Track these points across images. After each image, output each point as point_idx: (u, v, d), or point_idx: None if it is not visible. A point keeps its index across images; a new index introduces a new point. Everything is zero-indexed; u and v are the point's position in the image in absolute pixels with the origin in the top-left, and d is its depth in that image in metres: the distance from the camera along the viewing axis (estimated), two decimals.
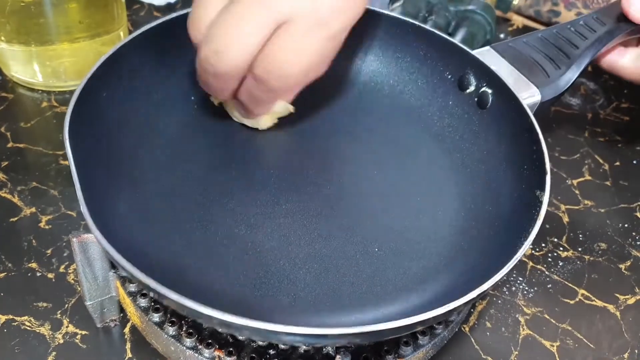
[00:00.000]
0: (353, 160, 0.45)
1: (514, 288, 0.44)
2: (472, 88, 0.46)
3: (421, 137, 0.47)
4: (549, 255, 0.47)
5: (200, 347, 0.36)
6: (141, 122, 0.44)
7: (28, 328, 0.39)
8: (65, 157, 0.49)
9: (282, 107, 0.43)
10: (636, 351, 0.41)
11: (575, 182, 0.53)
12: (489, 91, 0.45)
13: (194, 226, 0.40)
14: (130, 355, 0.39)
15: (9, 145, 0.50)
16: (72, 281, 0.42)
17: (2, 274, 0.42)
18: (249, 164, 0.44)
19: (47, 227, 0.45)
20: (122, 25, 0.56)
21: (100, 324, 0.40)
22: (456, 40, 0.50)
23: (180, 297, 0.30)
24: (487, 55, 0.47)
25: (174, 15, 0.46)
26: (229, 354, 0.36)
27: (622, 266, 0.47)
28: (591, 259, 0.47)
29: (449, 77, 0.48)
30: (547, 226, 0.49)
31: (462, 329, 0.42)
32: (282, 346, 0.36)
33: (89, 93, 0.40)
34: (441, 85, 0.48)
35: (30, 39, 0.52)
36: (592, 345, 0.42)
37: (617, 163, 0.55)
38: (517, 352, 0.41)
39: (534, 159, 0.40)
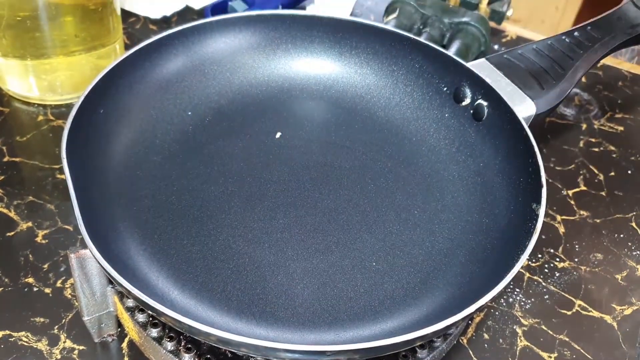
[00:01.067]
0: (349, 174, 0.45)
1: (511, 299, 0.44)
2: (467, 100, 0.47)
3: (417, 150, 0.47)
4: (546, 266, 0.47)
5: None
6: (138, 138, 0.44)
7: (25, 344, 0.39)
8: (61, 171, 0.49)
9: None
10: None
11: (570, 192, 0.53)
12: (485, 103, 0.45)
13: (191, 242, 0.40)
14: None
15: (5, 159, 0.50)
16: (70, 296, 0.42)
17: None
18: (246, 179, 0.44)
19: (43, 241, 0.45)
20: (118, 38, 0.56)
21: (98, 339, 0.40)
22: (451, 52, 0.50)
23: (178, 314, 0.30)
24: (482, 68, 0.47)
25: (170, 31, 0.46)
26: None
27: (619, 276, 0.47)
28: (587, 269, 0.47)
29: (445, 89, 0.48)
30: (543, 237, 0.49)
31: (460, 341, 0.42)
32: None
33: (86, 110, 0.40)
34: (437, 97, 0.48)
35: (26, 52, 0.52)
36: (589, 356, 0.42)
37: (612, 173, 0.55)
38: None
39: (530, 171, 0.40)
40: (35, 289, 0.42)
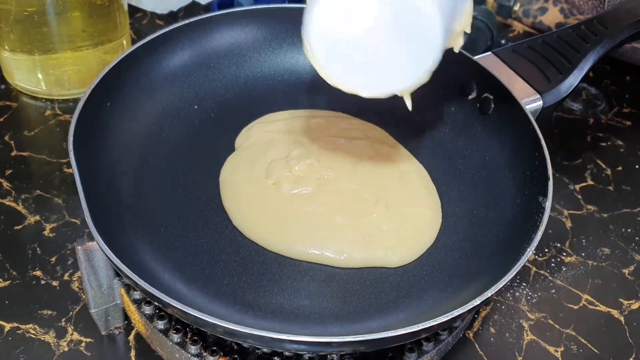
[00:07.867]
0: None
1: (517, 294, 0.44)
2: (474, 94, 0.47)
3: (423, 143, 0.47)
4: (552, 260, 0.47)
5: (205, 354, 0.36)
6: (144, 131, 0.44)
7: (33, 336, 0.39)
8: (68, 165, 0.49)
9: None
10: None
11: (577, 187, 0.53)
12: (491, 97, 0.45)
13: (198, 234, 0.40)
14: None
15: (13, 153, 0.50)
16: (77, 289, 0.42)
17: (7, 282, 0.42)
18: None
19: (51, 235, 0.45)
20: (125, 33, 0.56)
21: (105, 332, 0.40)
22: None
23: (184, 306, 0.30)
24: (488, 61, 0.47)
25: (176, 25, 0.46)
26: None
27: (626, 271, 0.47)
28: (594, 264, 0.47)
29: (451, 83, 0.48)
30: (550, 231, 0.49)
31: (466, 334, 0.42)
32: (286, 353, 0.36)
33: (93, 104, 0.40)
34: (443, 91, 0.48)
35: (34, 47, 0.52)
36: (596, 351, 0.42)
37: (620, 168, 0.55)
38: (521, 358, 0.41)
39: (536, 165, 0.40)
40: (42, 282, 0.42)
